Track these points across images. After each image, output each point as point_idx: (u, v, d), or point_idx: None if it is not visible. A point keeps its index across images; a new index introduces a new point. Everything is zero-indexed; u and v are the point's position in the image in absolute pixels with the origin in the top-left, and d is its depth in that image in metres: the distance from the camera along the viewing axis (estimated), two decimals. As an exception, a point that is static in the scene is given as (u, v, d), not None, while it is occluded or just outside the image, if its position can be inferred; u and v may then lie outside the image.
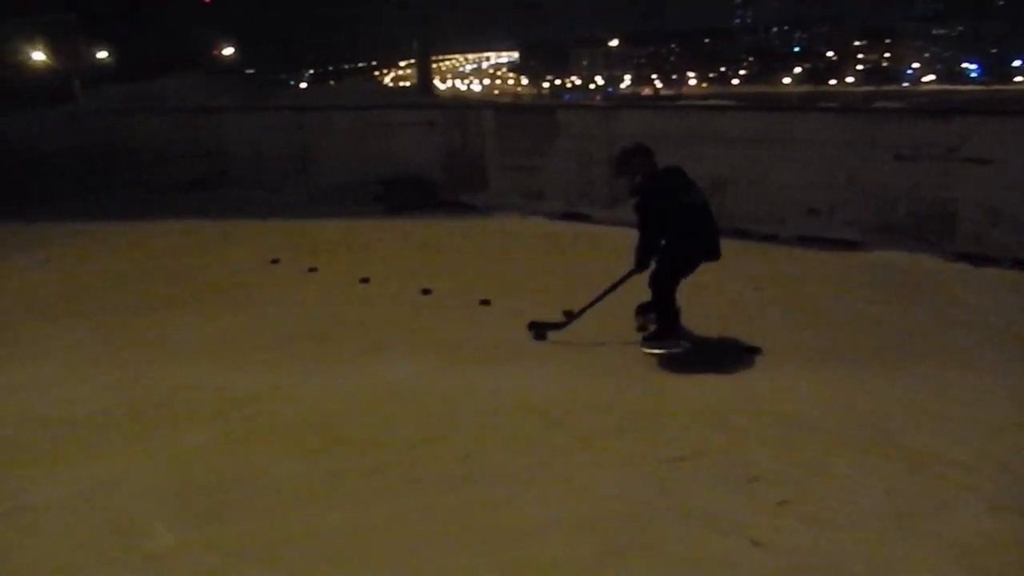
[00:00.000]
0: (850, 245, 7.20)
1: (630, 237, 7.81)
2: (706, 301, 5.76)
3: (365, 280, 6.47)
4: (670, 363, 4.65)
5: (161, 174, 12.97)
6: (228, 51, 55.18)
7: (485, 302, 5.81)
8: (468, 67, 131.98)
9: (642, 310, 5.07)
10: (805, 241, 7.42)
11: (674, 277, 4.74)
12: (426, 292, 6.13)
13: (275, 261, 7.29)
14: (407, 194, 10.08)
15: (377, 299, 6.09)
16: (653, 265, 4.76)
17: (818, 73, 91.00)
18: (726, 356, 4.73)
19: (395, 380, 4.49)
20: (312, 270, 6.94)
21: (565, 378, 4.47)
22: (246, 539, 3.06)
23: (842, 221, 7.39)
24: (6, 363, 4.97)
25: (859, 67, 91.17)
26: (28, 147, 13.70)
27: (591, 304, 5.09)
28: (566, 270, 6.82)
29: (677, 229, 4.63)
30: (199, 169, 12.58)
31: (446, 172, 10.10)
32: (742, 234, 7.62)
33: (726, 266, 6.59)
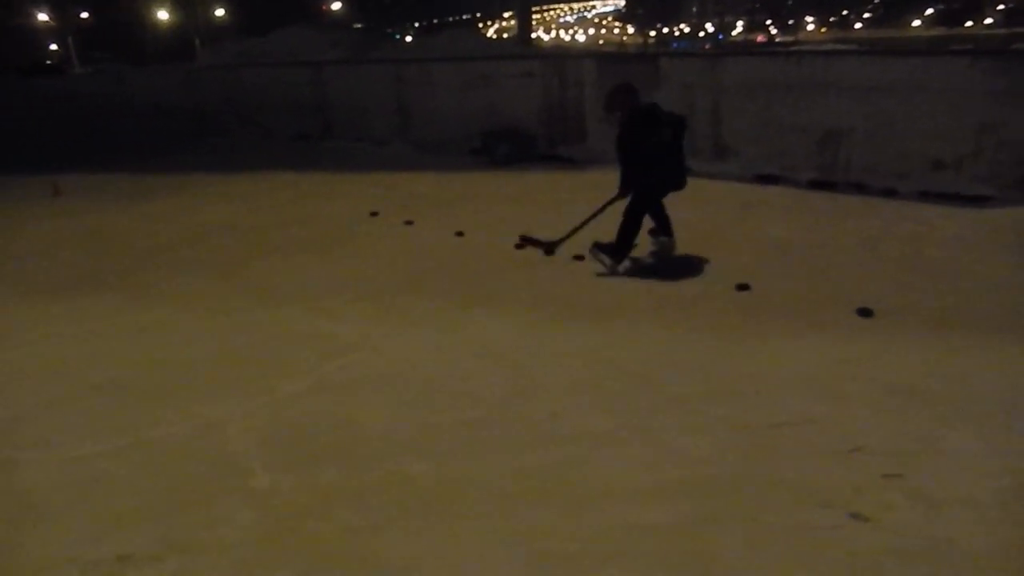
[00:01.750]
0: (981, 201, 6.63)
1: (734, 191, 7.59)
2: (816, 258, 5.46)
3: (460, 234, 6.48)
4: (771, 325, 4.43)
5: (268, 126, 13.40)
6: (336, 6, 56.14)
7: (578, 257, 5.72)
8: (573, 17, 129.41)
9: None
10: (929, 196, 6.89)
11: (642, 204, 5.27)
12: (522, 244, 6.06)
13: (374, 214, 7.41)
14: (505, 147, 10.01)
15: (471, 253, 6.08)
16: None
17: (952, 14, 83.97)
18: (833, 318, 4.47)
19: (486, 335, 4.49)
20: (409, 223, 7.01)
21: (658, 338, 4.34)
22: (337, 484, 3.13)
23: (972, 175, 6.81)
24: (130, 306, 5.27)
25: (999, 7, 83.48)
26: (150, 101, 14.46)
27: (578, 228, 5.59)
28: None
29: (644, 162, 5.11)
30: (305, 122, 12.91)
31: (544, 124, 9.95)
32: (859, 188, 7.17)
33: (839, 222, 6.26)
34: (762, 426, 3.39)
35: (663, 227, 5.60)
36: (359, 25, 55.50)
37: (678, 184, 5.27)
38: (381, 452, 3.34)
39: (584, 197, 7.68)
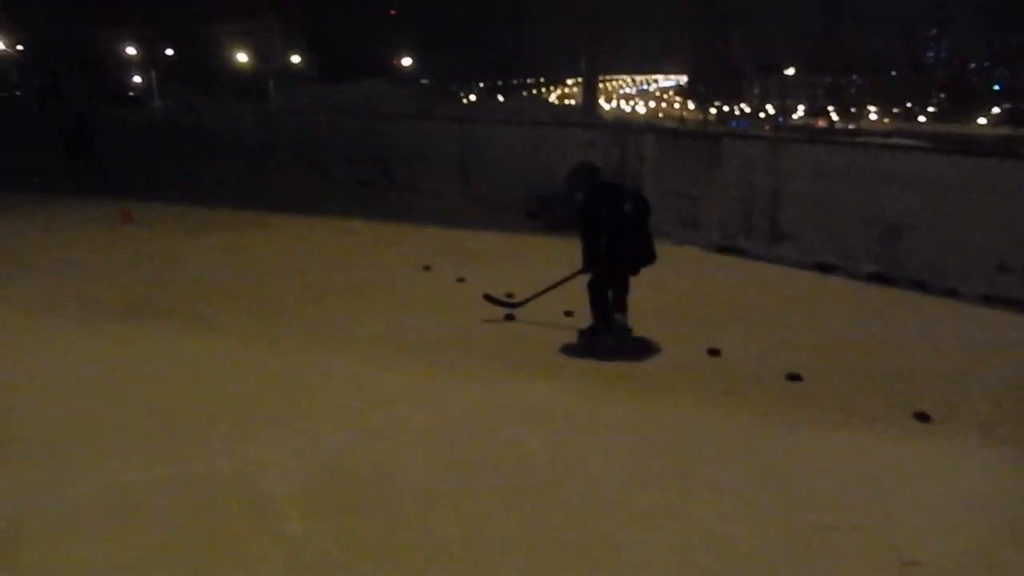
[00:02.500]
0: (1046, 310, 6.43)
1: (790, 277, 7.51)
2: (873, 355, 5.33)
3: (510, 296, 6.50)
4: (822, 419, 4.31)
5: (333, 171, 13.80)
6: (407, 61, 58.08)
7: (568, 313, 5.79)
8: (634, 88, 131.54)
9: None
10: (991, 301, 6.71)
11: (602, 279, 5.39)
12: (568, 313, 6.07)
13: (427, 268, 7.51)
14: (561, 211, 10.09)
15: (519, 314, 6.09)
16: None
17: (1020, 114, 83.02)
18: (888, 419, 4.33)
19: (530, 398, 4.46)
20: (460, 280, 7.07)
21: (704, 419, 4.26)
22: (369, 538, 3.10)
23: (1038, 282, 6.62)
24: (183, 336, 5.39)
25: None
26: (224, 138, 15.00)
27: (538, 294, 5.82)
28: (716, 303, 6.57)
29: (604, 239, 5.25)
30: (368, 170, 13.26)
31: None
32: (919, 286, 7.02)
33: (898, 319, 6.13)
34: (807, 525, 3.27)
35: (619, 304, 5.50)
36: (426, 81, 57.22)
37: (642, 258, 5.37)
38: (416, 510, 3.30)
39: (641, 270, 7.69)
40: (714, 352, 5.26)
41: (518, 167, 10.89)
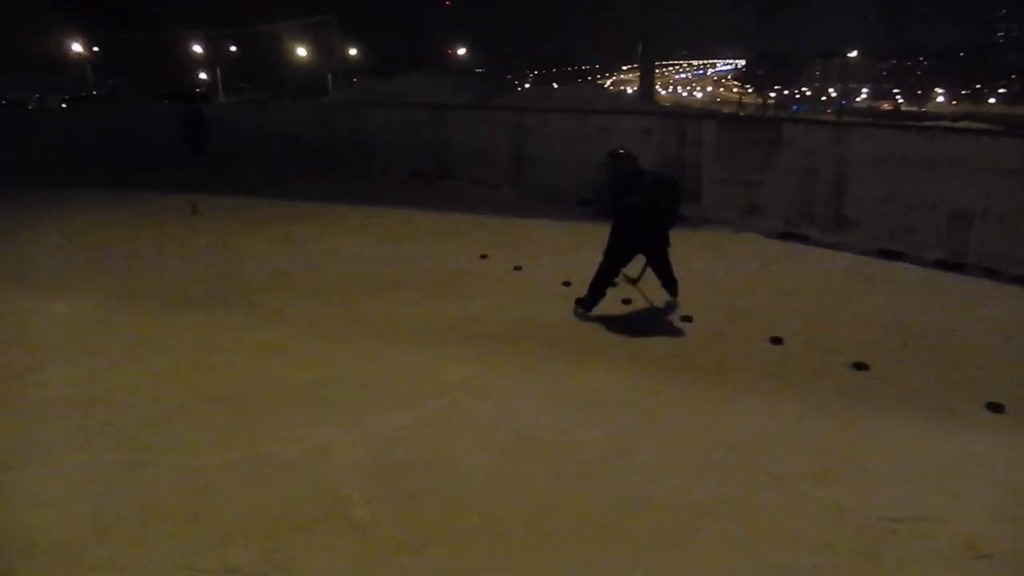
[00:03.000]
0: None
1: (855, 263, 7.33)
2: (942, 344, 5.17)
3: (567, 284, 6.50)
4: (889, 410, 4.21)
5: (389, 163, 13.95)
6: (462, 51, 58.24)
7: (687, 318, 5.64)
8: (691, 74, 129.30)
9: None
10: (1068, 288, 6.43)
11: (608, 260, 5.74)
12: (626, 300, 6.04)
13: (484, 257, 7.56)
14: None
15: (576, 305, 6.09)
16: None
17: (1096, 96, 78.69)
18: (958, 410, 4.20)
19: (590, 387, 4.47)
20: (517, 268, 7.10)
21: (766, 409, 4.20)
22: (434, 523, 3.17)
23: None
24: (252, 325, 5.56)
25: None
26: (285, 132, 15.32)
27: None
28: (778, 290, 6.45)
29: (615, 224, 5.73)
30: (423, 161, 13.36)
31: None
32: (990, 273, 6.76)
33: (968, 307, 5.92)
34: (874, 518, 3.21)
35: (667, 286, 6.02)
36: (481, 70, 57.30)
37: (655, 242, 5.78)
38: (479, 496, 3.35)
39: (693, 255, 7.60)
40: (776, 340, 5.19)
41: (573, 156, 10.84)
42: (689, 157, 9.61)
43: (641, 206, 5.60)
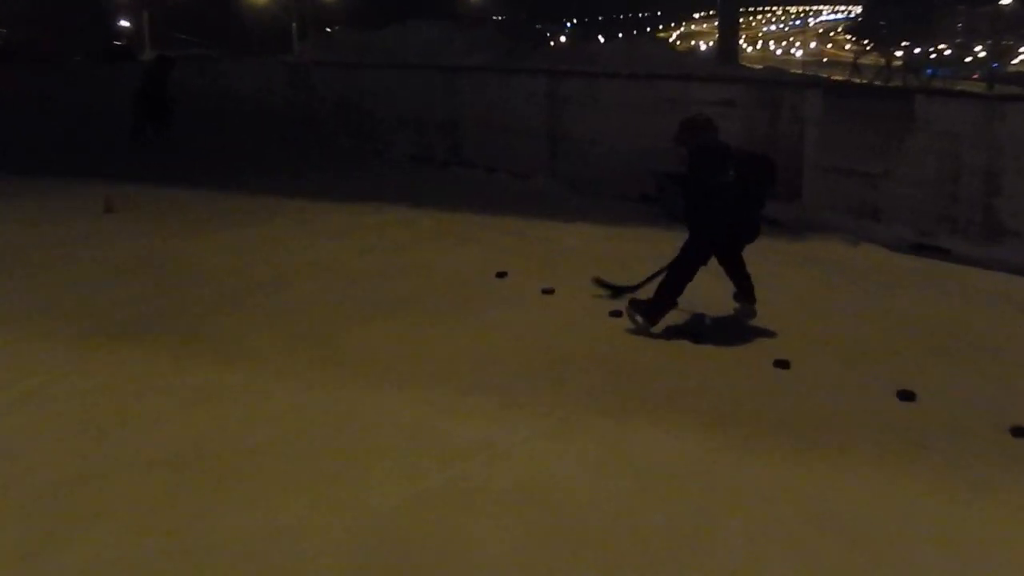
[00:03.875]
0: None
1: (1011, 287, 7.27)
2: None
3: (618, 314, 6.51)
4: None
5: (385, 144, 14.09)
6: (477, -7, 58.65)
7: (781, 363, 5.64)
8: (788, 25, 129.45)
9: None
10: None
11: (694, 253, 6.05)
12: (697, 339, 6.04)
13: (502, 275, 7.59)
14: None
15: (631, 340, 6.12)
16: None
17: None
18: None
19: (648, 452, 4.47)
20: (548, 292, 7.13)
21: (889, 484, 4.20)
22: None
23: None
24: (192, 364, 5.63)
25: None
26: (244, 102, 15.52)
27: (655, 275, 6.36)
28: (908, 326, 6.44)
29: (705, 204, 6.00)
30: (429, 141, 13.51)
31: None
32: None
33: None
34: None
35: (743, 290, 6.40)
36: (501, 18, 57.60)
37: (745, 234, 6.15)
38: (499, 603, 3.36)
39: (789, 275, 7.58)
40: (906, 395, 5.16)
41: (629, 135, 10.89)
42: (785, 139, 9.61)
43: (735, 186, 5.88)
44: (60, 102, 17.41)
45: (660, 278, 6.25)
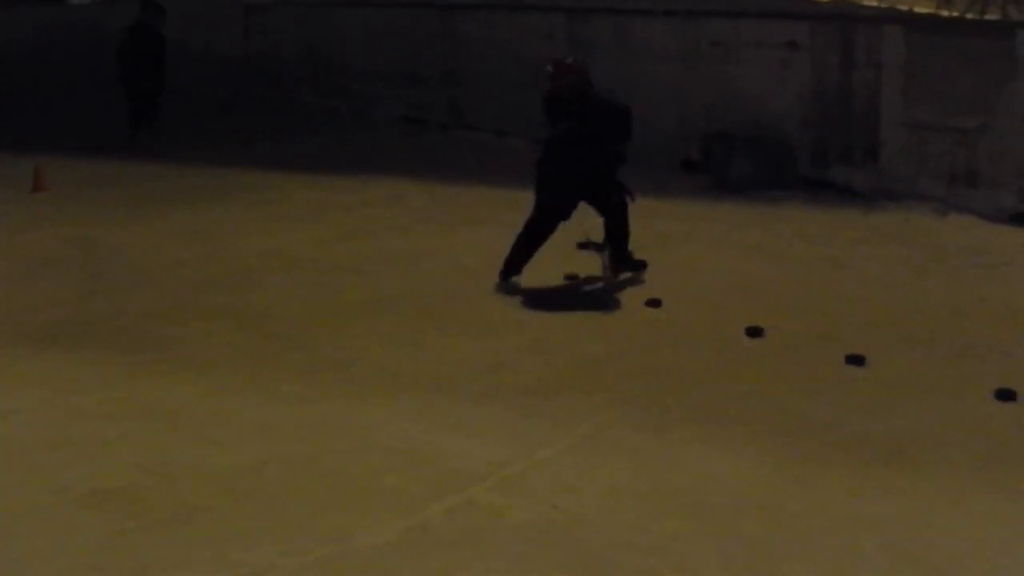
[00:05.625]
0: None
1: None
2: None
3: (655, 303, 6.52)
4: None
5: (367, 102, 13.99)
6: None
7: (855, 360, 5.69)
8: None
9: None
10: None
11: (537, 213, 7.07)
12: (754, 333, 6.05)
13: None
14: (742, 162, 10.00)
15: (673, 335, 6.16)
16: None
17: None
18: None
19: (696, 476, 4.47)
20: (572, 278, 7.23)
21: (999, 506, 4.20)
22: None
23: None
24: (139, 375, 5.66)
25: None
26: (187, 50, 15.31)
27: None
28: (1011, 315, 6.43)
29: (541, 163, 7.17)
30: (421, 98, 13.41)
31: (809, 128, 9.88)
32: None
33: None
34: None
35: (616, 251, 7.18)
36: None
37: (595, 192, 7.02)
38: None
39: (864, 253, 7.56)
40: (1006, 395, 5.16)
41: (667, 88, 10.83)
42: (860, 89, 9.56)
43: (572, 140, 6.88)
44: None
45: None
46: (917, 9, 9.20)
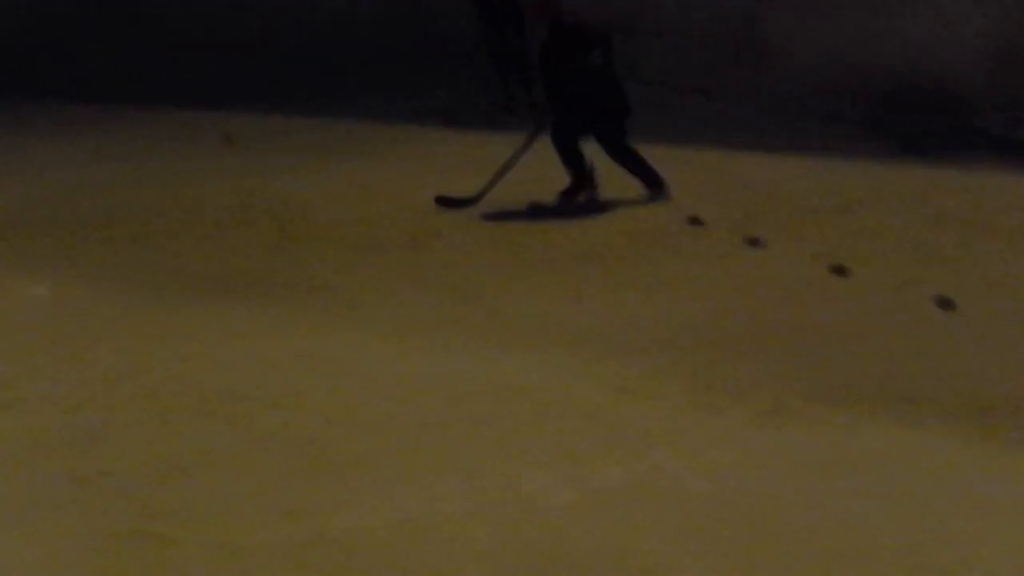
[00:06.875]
0: None
1: None
2: None
3: (840, 271, 6.43)
4: None
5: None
6: None
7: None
8: None
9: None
10: None
11: (568, 128, 7.89)
12: (945, 305, 5.88)
13: (696, 221, 7.57)
14: (922, 118, 9.70)
15: (860, 304, 6.03)
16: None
17: None
18: None
19: (883, 453, 4.36)
20: (753, 242, 7.09)
21: None
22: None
23: None
24: (320, 325, 5.89)
25: None
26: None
27: (497, 175, 7.87)
28: None
29: (569, 90, 7.76)
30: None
31: (999, 77, 9.46)
32: None
33: None
34: None
35: (647, 180, 8.01)
36: None
37: (617, 112, 7.89)
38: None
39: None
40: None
41: (849, 35, 10.47)
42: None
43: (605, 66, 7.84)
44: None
45: (496, 181, 7.82)
46: None
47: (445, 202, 7.97)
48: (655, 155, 9.32)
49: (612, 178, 8.65)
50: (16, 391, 5.10)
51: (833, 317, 5.79)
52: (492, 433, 4.58)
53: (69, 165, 10.05)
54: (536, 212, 7.98)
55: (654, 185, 7.97)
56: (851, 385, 5.00)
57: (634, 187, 8.44)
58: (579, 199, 7.89)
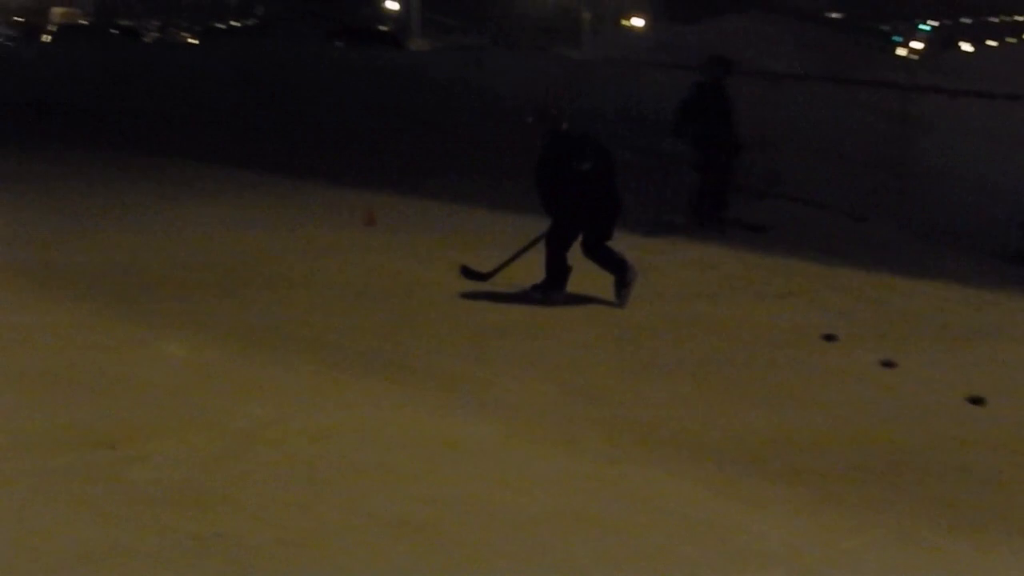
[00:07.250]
0: None
1: None
2: None
3: (978, 401, 6.30)
4: None
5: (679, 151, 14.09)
6: (805, -10, 58.04)
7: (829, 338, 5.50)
8: None
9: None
10: None
11: (565, 230, 8.11)
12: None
13: (830, 337, 7.53)
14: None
15: (997, 434, 5.89)
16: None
17: None
18: None
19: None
20: (888, 365, 7.00)
21: None
22: None
23: None
24: (452, 410, 5.89)
25: None
26: (517, 97, 15.97)
27: (511, 259, 8.40)
28: None
29: (566, 193, 8.03)
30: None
31: None
32: None
33: None
34: None
35: (619, 276, 8.12)
36: (836, 15, 56.73)
37: (608, 213, 8.17)
38: None
39: None
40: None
41: (1001, 172, 10.41)
42: None
43: (602, 175, 8.10)
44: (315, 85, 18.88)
45: (514, 260, 8.33)
46: None
47: (468, 273, 8.42)
48: (795, 269, 9.36)
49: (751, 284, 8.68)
50: (151, 445, 5.25)
51: (964, 446, 5.71)
52: (604, 535, 4.56)
53: (220, 226, 10.52)
54: (651, 314, 8.12)
55: (624, 283, 8.08)
56: (981, 519, 4.87)
57: (767, 299, 8.46)
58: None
